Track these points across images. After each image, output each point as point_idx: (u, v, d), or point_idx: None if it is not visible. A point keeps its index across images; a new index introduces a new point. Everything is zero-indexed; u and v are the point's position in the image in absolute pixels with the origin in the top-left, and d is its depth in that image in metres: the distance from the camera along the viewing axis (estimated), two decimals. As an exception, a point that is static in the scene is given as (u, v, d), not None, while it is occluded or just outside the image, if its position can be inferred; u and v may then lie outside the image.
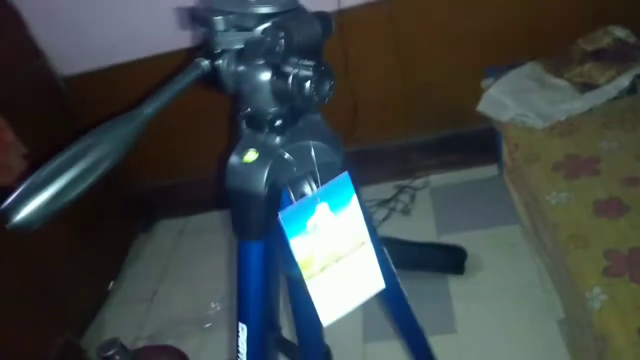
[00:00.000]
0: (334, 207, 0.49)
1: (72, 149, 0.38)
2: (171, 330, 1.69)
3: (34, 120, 1.65)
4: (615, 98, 1.48)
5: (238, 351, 0.55)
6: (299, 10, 0.47)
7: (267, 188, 0.48)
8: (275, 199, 0.50)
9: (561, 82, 1.57)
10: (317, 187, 0.49)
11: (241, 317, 0.54)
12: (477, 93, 1.67)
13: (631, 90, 1.48)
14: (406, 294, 0.68)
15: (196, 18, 0.45)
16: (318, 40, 0.46)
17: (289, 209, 0.47)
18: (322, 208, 0.48)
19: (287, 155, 0.48)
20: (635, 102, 1.45)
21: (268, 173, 0.48)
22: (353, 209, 0.51)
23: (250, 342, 0.54)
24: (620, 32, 1.61)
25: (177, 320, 1.72)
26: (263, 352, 0.56)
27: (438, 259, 1.62)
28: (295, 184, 0.51)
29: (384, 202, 1.99)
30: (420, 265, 1.64)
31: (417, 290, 1.57)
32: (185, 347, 1.34)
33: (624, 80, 1.48)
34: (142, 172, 2.16)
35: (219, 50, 0.45)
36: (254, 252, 0.51)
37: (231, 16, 0.44)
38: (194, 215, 2.21)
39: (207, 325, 1.70)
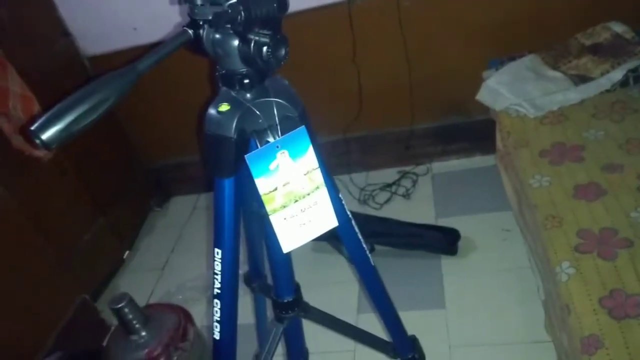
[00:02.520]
0: (293, 155, 0.59)
1: (82, 91, 0.50)
2: (179, 295, 1.81)
3: (59, 95, 1.77)
4: (607, 91, 1.53)
5: (214, 272, 0.66)
6: None
7: (236, 133, 0.59)
8: (244, 144, 0.61)
9: (557, 74, 1.62)
10: (278, 136, 0.59)
11: (217, 243, 0.65)
12: (481, 83, 1.73)
13: (624, 83, 1.53)
14: (362, 238, 0.77)
15: None
16: (275, 14, 0.56)
17: (254, 152, 0.57)
18: (283, 154, 0.58)
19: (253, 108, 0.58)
20: (626, 95, 1.50)
21: (237, 121, 0.59)
22: (310, 158, 0.60)
23: (224, 263, 0.65)
24: (618, 28, 1.65)
25: (185, 287, 1.84)
26: (235, 273, 0.67)
27: (432, 239, 1.70)
28: (261, 134, 0.61)
29: (386, 186, 2.07)
30: (415, 244, 1.72)
31: (411, 268, 1.69)
32: (191, 312, 1.45)
33: (617, 74, 1.53)
34: (159, 151, 2.29)
35: (200, 22, 0.56)
36: (227, 187, 0.62)
37: None
38: (206, 193, 2.33)
39: (212, 293, 1.81)
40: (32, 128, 0.48)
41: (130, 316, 1.28)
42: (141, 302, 1.84)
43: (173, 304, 1.48)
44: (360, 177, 2.15)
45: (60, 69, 1.88)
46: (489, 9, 1.76)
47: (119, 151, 2.18)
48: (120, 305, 1.26)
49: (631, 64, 1.52)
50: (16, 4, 1.71)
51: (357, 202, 2.02)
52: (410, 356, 0.95)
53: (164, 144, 2.24)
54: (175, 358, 1.29)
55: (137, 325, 1.29)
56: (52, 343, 1.55)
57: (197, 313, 1.62)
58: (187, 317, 1.40)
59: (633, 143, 1.33)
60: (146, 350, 1.26)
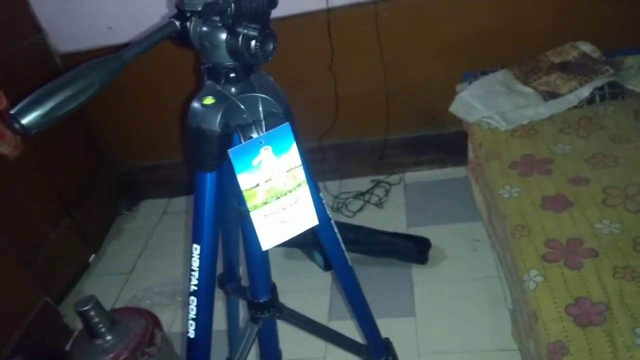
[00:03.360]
0: (277, 151, 0.59)
1: (67, 76, 0.49)
2: (146, 300, 1.77)
3: (29, 92, 1.73)
4: (575, 107, 1.59)
5: (191, 268, 0.65)
6: None
7: (220, 127, 0.59)
8: (227, 138, 0.60)
9: (527, 90, 1.68)
10: (262, 132, 0.59)
11: (195, 239, 0.64)
12: (455, 96, 1.77)
13: (590, 100, 1.59)
14: (339, 237, 0.77)
15: None
16: (264, 9, 0.56)
17: (237, 147, 0.57)
18: (266, 150, 0.58)
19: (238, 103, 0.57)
20: (593, 111, 1.56)
21: (221, 115, 0.58)
22: (293, 155, 0.60)
23: (202, 259, 0.64)
24: (586, 47, 1.72)
25: (153, 292, 1.80)
26: (213, 270, 0.66)
27: (403, 248, 1.72)
28: (245, 129, 0.60)
29: (359, 195, 2.08)
30: (387, 252, 1.73)
31: (382, 276, 1.69)
32: (159, 317, 1.42)
33: (585, 91, 1.60)
34: (129, 153, 2.25)
35: (188, 14, 0.55)
36: (208, 182, 0.61)
37: None
38: (177, 197, 2.30)
39: (180, 299, 1.78)
40: (12, 112, 0.46)
41: (96, 319, 1.24)
42: (107, 306, 1.78)
43: (140, 308, 1.45)
44: (334, 185, 2.16)
45: (31, 66, 1.84)
46: (464, 25, 1.81)
47: (88, 151, 2.13)
48: (86, 308, 1.22)
49: (597, 82, 1.58)
50: (-15, -2, 1.67)
51: (330, 210, 2.02)
52: (383, 359, 0.95)
53: (135, 145, 2.20)
54: (141, 363, 1.26)
55: (102, 329, 1.25)
56: (11, 347, 1.49)
57: (165, 319, 1.58)
58: (155, 321, 1.36)
59: (598, 158, 1.38)
60: (111, 355, 1.23)
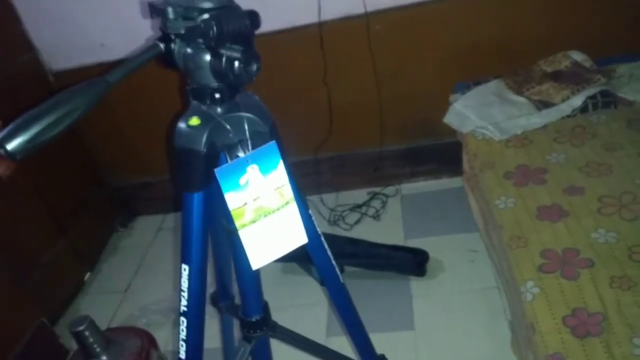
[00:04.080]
0: (263, 170, 0.59)
1: (52, 100, 0.49)
2: (142, 318, 1.75)
3: (22, 110, 1.73)
4: (568, 116, 1.59)
5: (181, 289, 0.64)
6: (232, 7, 0.58)
7: (206, 147, 0.59)
8: (214, 159, 0.60)
9: (521, 99, 1.68)
10: (249, 151, 0.59)
11: (184, 259, 0.63)
12: (448, 107, 1.78)
13: (583, 109, 1.59)
14: (331, 254, 0.77)
15: (154, 9, 0.56)
16: (247, 30, 0.57)
17: (224, 166, 0.57)
18: (253, 169, 0.57)
19: (223, 123, 0.57)
20: (586, 120, 1.56)
21: (207, 135, 0.58)
22: (280, 173, 0.60)
23: (191, 279, 0.63)
24: (578, 57, 1.73)
25: (149, 310, 1.79)
26: (203, 290, 0.65)
27: (401, 260, 1.71)
28: (231, 148, 0.60)
29: (356, 207, 2.08)
30: (385, 265, 1.72)
31: (380, 289, 1.68)
32: (155, 336, 1.41)
33: (577, 100, 1.60)
34: (124, 170, 2.24)
35: (172, 36, 0.56)
36: (195, 202, 0.61)
37: (179, 8, 0.55)
38: (172, 213, 2.29)
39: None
40: None
41: (91, 340, 1.23)
42: (102, 325, 1.76)
43: (136, 327, 1.43)
44: (330, 198, 2.16)
45: (24, 84, 1.84)
46: (456, 35, 1.82)
47: (82, 169, 2.12)
48: (80, 328, 1.21)
49: (590, 91, 1.59)
50: (-22, 17, 1.67)
51: (327, 223, 2.02)
52: (379, 376, 0.94)
53: (129, 162, 2.20)
54: (137, 383, 1.24)
55: (97, 350, 1.24)
56: (5, 369, 1.47)
57: (161, 337, 1.56)
58: (151, 340, 1.35)
59: (592, 166, 1.37)
60: (106, 375, 1.21)
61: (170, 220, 2.28)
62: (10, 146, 0.46)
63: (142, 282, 1.99)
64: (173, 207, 2.27)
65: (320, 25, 1.81)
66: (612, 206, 1.24)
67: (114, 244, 2.20)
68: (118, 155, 2.18)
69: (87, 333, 1.22)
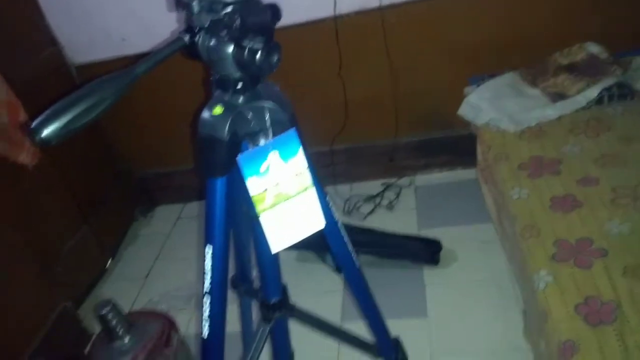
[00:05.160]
0: (284, 156, 0.62)
1: (83, 90, 0.52)
2: (162, 304, 1.80)
3: (46, 104, 1.78)
4: (583, 108, 1.59)
5: (205, 269, 0.68)
6: (254, 0, 0.60)
7: (228, 135, 0.62)
8: (236, 146, 0.63)
9: (535, 92, 1.69)
10: (270, 139, 0.62)
11: (208, 241, 0.67)
12: (463, 99, 1.78)
13: (599, 101, 1.59)
14: (347, 238, 0.80)
15: (179, 3, 0.59)
16: (268, 22, 0.59)
17: (246, 153, 0.60)
18: (274, 156, 0.60)
19: (246, 111, 0.60)
20: (602, 112, 1.56)
21: (230, 123, 0.61)
22: (299, 159, 0.63)
23: (214, 260, 0.67)
24: (594, 48, 1.72)
25: (169, 296, 1.84)
26: (225, 270, 0.69)
27: (415, 250, 1.73)
28: (253, 136, 0.63)
29: (370, 198, 2.10)
30: (398, 254, 1.75)
31: (394, 278, 1.71)
32: (176, 320, 1.45)
33: (593, 92, 1.60)
34: (145, 160, 2.29)
35: (197, 29, 0.59)
36: (218, 187, 0.64)
37: (204, 1, 0.59)
38: (191, 203, 2.34)
39: (196, 303, 1.81)
40: (32, 126, 0.49)
41: (114, 322, 1.28)
42: (124, 310, 1.83)
43: (157, 311, 1.48)
44: (344, 189, 2.18)
45: (47, 77, 1.89)
46: (471, 28, 1.83)
47: (104, 159, 2.18)
48: (104, 311, 1.26)
49: (606, 83, 1.58)
50: (4, 12, 1.72)
51: (341, 213, 2.05)
52: (393, 357, 0.97)
53: (150, 152, 2.25)
54: (158, 365, 1.29)
55: (120, 332, 1.29)
56: (32, 350, 1.53)
57: (181, 322, 1.61)
58: (171, 324, 1.40)
59: (607, 158, 1.38)
60: (129, 357, 1.26)
61: (189, 209, 2.33)
62: (45, 133, 0.49)
63: (161, 269, 2.04)
64: (192, 197, 2.32)
65: (336, 19, 1.83)
66: (626, 197, 1.24)
67: (134, 232, 2.26)
68: (138, 146, 2.23)
69: (110, 316, 1.27)
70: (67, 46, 1.97)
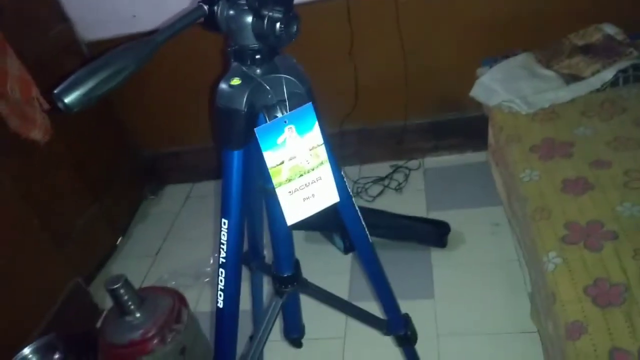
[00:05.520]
0: (300, 131, 0.62)
1: (105, 57, 0.52)
2: (172, 281, 1.82)
3: (58, 80, 1.78)
4: (598, 90, 1.57)
5: (220, 242, 0.68)
6: None
7: (246, 106, 0.62)
8: (253, 118, 0.63)
9: (549, 73, 1.67)
10: (287, 112, 0.62)
11: (224, 214, 0.67)
12: (475, 81, 1.77)
13: (614, 83, 1.57)
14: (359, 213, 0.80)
15: None
16: None
17: (263, 126, 0.60)
18: (290, 129, 0.60)
19: (263, 83, 0.60)
20: (616, 94, 1.54)
21: (248, 95, 0.61)
22: (315, 134, 0.63)
23: (230, 233, 0.67)
24: (610, 30, 1.70)
25: (178, 274, 1.86)
26: (240, 243, 0.70)
27: (422, 232, 1.73)
28: (270, 109, 0.63)
29: (379, 180, 2.10)
30: (406, 236, 1.75)
31: (402, 259, 1.72)
32: (185, 297, 1.47)
33: (608, 74, 1.58)
34: (154, 139, 2.30)
35: (215, -2, 0.58)
36: (235, 159, 0.64)
37: None
38: (200, 182, 2.35)
39: (205, 280, 1.83)
40: (56, 91, 0.50)
41: (126, 297, 1.29)
42: (135, 286, 1.86)
43: (167, 287, 1.50)
44: (353, 170, 2.18)
45: (59, 54, 1.89)
46: (484, 8, 1.80)
47: (114, 138, 2.19)
48: (116, 286, 1.28)
49: (621, 65, 1.56)
50: (15, -12, 1.72)
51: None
52: (402, 333, 0.98)
53: (159, 132, 2.26)
54: (169, 339, 1.31)
55: (132, 307, 1.31)
56: (45, 324, 1.56)
57: (190, 299, 1.62)
58: (181, 300, 1.42)
59: (620, 141, 1.37)
60: (141, 331, 1.28)
61: (199, 188, 2.34)
62: (68, 99, 0.50)
63: (171, 248, 2.06)
64: (202, 177, 2.33)
65: (349, -3, 1.81)
66: (639, 180, 1.24)
67: (144, 211, 2.28)
68: (149, 125, 2.24)
69: (122, 291, 1.29)
70: (78, 23, 1.97)
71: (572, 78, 1.62)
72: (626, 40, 1.65)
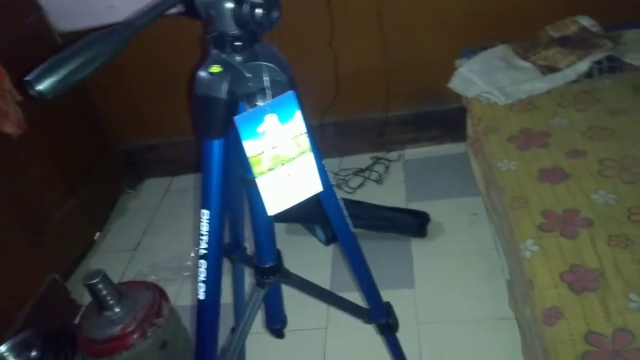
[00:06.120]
0: (281, 119, 0.61)
1: (81, 43, 0.51)
2: (152, 275, 1.80)
3: (30, 71, 1.74)
4: (573, 81, 1.60)
5: (201, 233, 0.68)
6: None
7: (226, 94, 0.61)
8: (233, 106, 0.62)
9: (526, 64, 1.69)
10: (268, 100, 0.61)
11: (204, 205, 0.66)
12: (454, 72, 1.78)
13: (588, 74, 1.60)
14: (342, 204, 0.80)
15: None
16: None
17: (243, 114, 0.59)
18: (271, 118, 0.60)
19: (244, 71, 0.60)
20: (591, 85, 1.57)
21: (228, 82, 0.60)
22: (297, 122, 0.63)
23: (211, 224, 0.66)
24: (586, 22, 1.73)
25: (159, 268, 1.84)
26: (221, 233, 0.69)
27: (403, 222, 1.75)
28: (250, 97, 0.63)
29: (359, 171, 2.11)
30: (387, 227, 1.77)
31: (382, 249, 1.73)
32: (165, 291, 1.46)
33: (583, 66, 1.61)
34: (132, 132, 2.26)
35: (195, -17, 0.57)
36: (216, 149, 0.64)
37: None
38: (180, 175, 2.32)
39: (185, 274, 1.82)
40: (28, 78, 0.48)
41: (105, 292, 1.27)
42: (113, 281, 1.83)
43: (147, 281, 1.48)
44: (334, 162, 2.18)
45: (32, 45, 1.84)
46: (464, 1, 1.81)
47: (91, 130, 2.15)
48: (94, 281, 1.25)
49: (596, 57, 1.60)
50: (-14, -23, 1.67)
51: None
52: (384, 321, 0.99)
53: (138, 124, 2.22)
54: (149, 334, 1.29)
55: (111, 302, 1.29)
56: (21, 321, 1.53)
57: (171, 293, 1.61)
58: (162, 293, 1.40)
59: (595, 131, 1.40)
60: (120, 326, 1.26)
61: (178, 182, 2.31)
62: (41, 86, 0.48)
63: (150, 242, 2.04)
64: (181, 170, 2.30)
65: (328, -14, 1.80)
66: (613, 169, 1.26)
67: (122, 205, 2.25)
68: (127, 117, 2.20)
69: (100, 286, 1.27)
70: (52, 12, 1.92)
71: (548, 69, 1.65)
72: (601, 33, 1.69)
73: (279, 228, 1.89)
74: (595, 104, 1.49)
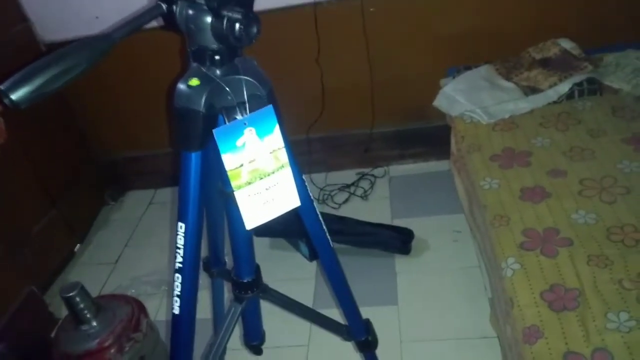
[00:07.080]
0: (260, 133, 0.61)
1: (57, 53, 0.50)
2: (132, 289, 1.78)
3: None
4: (555, 102, 1.63)
5: (177, 246, 0.67)
6: None
7: (205, 107, 0.61)
8: (212, 119, 0.62)
9: (509, 85, 1.71)
10: (246, 114, 0.61)
11: (181, 217, 0.66)
12: (439, 90, 1.80)
13: (569, 96, 1.63)
14: (319, 215, 0.80)
15: None
16: None
17: (222, 127, 0.59)
18: (250, 132, 0.60)
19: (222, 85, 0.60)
20: (572, 106, 1.60)
21: (206, 95, 0.61)
22: (276, 137, 0.63)
23: (187, 237, 0.66)
24: (567, 44, 1.76)
25: (140, 281, 1.81)
26: (198, 247, 0.68)
27: (387, 238, 1.75)
28: (229, 110, 0.63)
29: (345, 187, 2.11)
30: (371, 243, 1.76)
31: (366, 266, 1.72)
32: (145, 306, 1.43)
33: (564, 87, 1.63)
34: (115, 144, 2.25)
35: (174, -3, 0.58)
36: (193, 161, 0.63)
37: None
38: (163, 188, 2.31)
39: (166, 288, 1.79)
40: (2, 87, 0.48)
41: (82, 305, 1.25)
42: (92, 294, 1.80)
43: (126, 295, 1.46)
44: (320, 178, 2.19)
45: (17, 54, 1.83)
46: (450, 21, 1.85)
47: (73, 141, 2.13)
48: (71, 294, 1.23)
49: (577, 78, 1.62)
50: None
51: (316, 202, 2.05)
52: (364, 338, 0.98)
53: (121, 136, 2.21)
54: (127, 349, 1.27)
55: (88, 315, 1.26)
56: (-5, 334, 1.49)
57: (151, 307, 1.59)
58: (140, 308, 1.38)
59: (576, 151, 1.42)
60: (97, 340, 1.24)
61: (161, 195, 2.29)
62: (15, 95, 0.48)
63: (132, 255, 2.01)
64: (164, 182, 2.28)
65: (316, 5, 1.82)
66: (593, 189, 1.28)
67: (104, 217, 2.22)
68: (110, 129, 2.19)
69: (78, 299, 1.25)
70: (38, 23, 1.91)
71: (530, 90, 1.67)
72: (582, 55, 1.72)
73: (263, 243, 1.88)
74: (576, 125, 1.51)
